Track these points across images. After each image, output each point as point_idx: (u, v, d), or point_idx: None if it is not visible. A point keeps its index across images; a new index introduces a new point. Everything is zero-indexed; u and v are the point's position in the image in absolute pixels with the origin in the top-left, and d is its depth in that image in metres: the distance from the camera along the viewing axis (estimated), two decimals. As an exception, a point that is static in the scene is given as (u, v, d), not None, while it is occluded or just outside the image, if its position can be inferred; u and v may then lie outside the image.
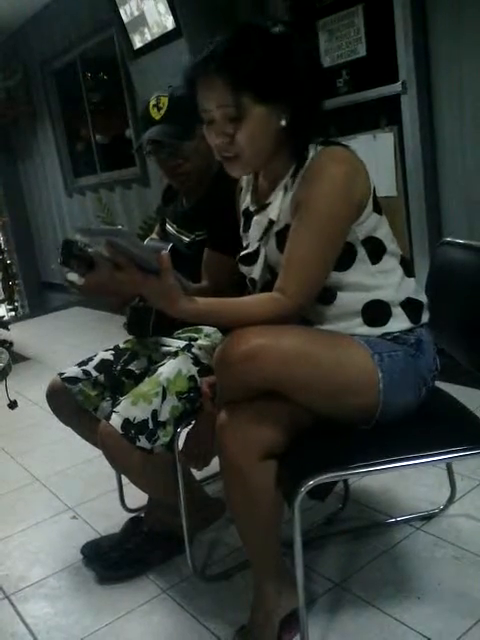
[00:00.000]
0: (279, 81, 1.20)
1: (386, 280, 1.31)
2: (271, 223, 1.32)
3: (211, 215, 1.61)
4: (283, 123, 1.23)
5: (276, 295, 1.23)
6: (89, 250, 1.31)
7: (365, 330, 1.30)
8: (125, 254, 1.13)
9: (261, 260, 1.35)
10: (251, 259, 1.38)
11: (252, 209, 1.41)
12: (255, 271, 1.36)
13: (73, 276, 1.36)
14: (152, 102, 1.62)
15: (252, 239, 1.38)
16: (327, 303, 1.30)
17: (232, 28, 1.24)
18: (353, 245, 1.27)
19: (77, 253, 1.30)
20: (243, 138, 1.22)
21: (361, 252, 1.28)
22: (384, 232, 1.32)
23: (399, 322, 1.32)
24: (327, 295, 1.29)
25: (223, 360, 1.21)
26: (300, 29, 1.27)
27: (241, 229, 1.47)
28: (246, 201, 1.45)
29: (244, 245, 1.43)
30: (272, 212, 1.31)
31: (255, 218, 1.38)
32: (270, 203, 1.33)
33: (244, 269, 1.41)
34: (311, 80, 1.23)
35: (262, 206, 1.36)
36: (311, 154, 1.25)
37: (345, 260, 1.27)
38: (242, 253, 1.41)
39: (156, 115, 1.60)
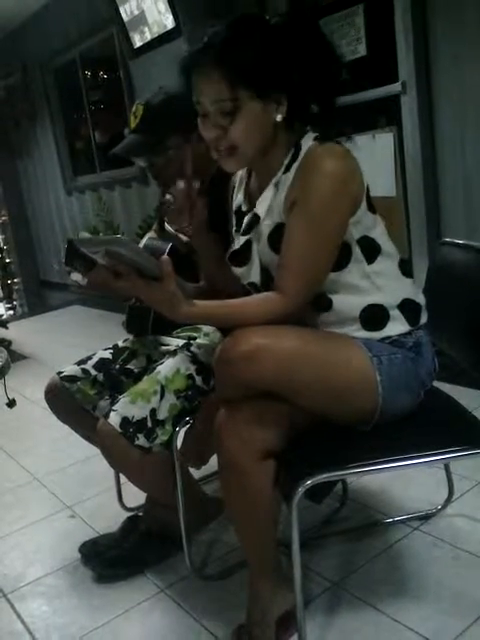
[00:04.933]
0: (278, 76, 1.18)
1: (381, 281, 1.29)
2: (257, 218, 1.30)
3: (209, 215, 1.61)
4: (279, 118, 1.21)
5: (274, 295, 1.22)
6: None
7: (363, 334, 1.29)
8: (125, 262, 1.13)
9: (256, 262, 1.33)
10: (241, 259, 1.36)
11: (244, 209, 1.39)
12: (253, 274, 1.34)
13: (76, 276, 1.36)
14: (133, 108, 1.59)
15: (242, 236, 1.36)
16: (324, 310, 1.29)
17: (230, 18, 1.19)
18: (349, 244, 1.26)
19: (79, 252, 1.30)
20: (237, 132, 1.20)
21: (356, 251, 1.26)
22: (379, 232, 1.30)
23: (397, 325, 1.30)
24: (323, 301, 1.28)
25: (223, 359, 1.21)
26: (302, 21, 1.22)
27: (233, 229, 1.44)
28: (238, 199, 1.43)
29: (235, 244, 1.41)
30: (260, 208, 1.29)
31: (247, 217, 1.36)
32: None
33: (237, 271, 1.39)
34: (314, 73, 1.21)
35: (254, 205, 1.33)
36: (304, 149, 1.22)
37: (341, 260, 1.26)
38: (230, 250, 1.39)
39: (132, 123, 1.59)
